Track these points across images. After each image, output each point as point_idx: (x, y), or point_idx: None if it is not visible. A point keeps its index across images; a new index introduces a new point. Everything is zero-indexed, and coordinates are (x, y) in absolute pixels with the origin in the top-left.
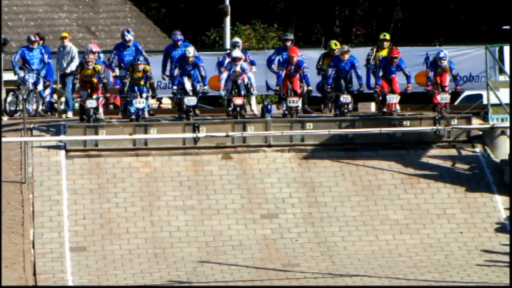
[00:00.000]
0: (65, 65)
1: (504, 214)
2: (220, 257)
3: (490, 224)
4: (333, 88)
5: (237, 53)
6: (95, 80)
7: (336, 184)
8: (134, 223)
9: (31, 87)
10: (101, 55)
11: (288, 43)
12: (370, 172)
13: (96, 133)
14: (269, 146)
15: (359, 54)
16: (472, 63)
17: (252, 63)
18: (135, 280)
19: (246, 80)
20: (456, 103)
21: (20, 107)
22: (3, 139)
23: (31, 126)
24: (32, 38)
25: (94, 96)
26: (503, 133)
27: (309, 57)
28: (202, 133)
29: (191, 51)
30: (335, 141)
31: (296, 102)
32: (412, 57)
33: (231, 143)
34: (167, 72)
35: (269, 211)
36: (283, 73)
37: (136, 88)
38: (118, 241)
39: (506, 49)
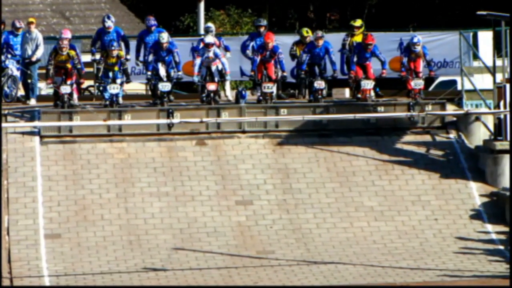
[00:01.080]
0: (29, 52)
1: (478, 200)
2: (195, 244)
3: (464, 211)
4: (307, 73)
5: (209, 38)
6: (69, 65)
7: (310, 171)
8: (108, 210)
9: (12, 72)
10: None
11: (262, 29)
12: (344, 158)
13: (71, 119)
14: (244, 132)
15: (333, 40)
16: (446, 48)
17: (226, 48)
18: (109, 267)
19: (219, 66)
20: (430, 89)
21: None
22: None
23: (6, 112)
24: (17, 24)
25: (69, 82)
26: (477, 119)
27: (283, 42)
28: (176, 119)
29: (165, 37)
30: (310, 127)
31: (270, 88)
32: (386, 43)
33: (206, 129)
34: (141, 58)
35: (243, 197)
36: (258, 59)
37: (110, 74)
38: (92, 228)
39: (480, 34)
